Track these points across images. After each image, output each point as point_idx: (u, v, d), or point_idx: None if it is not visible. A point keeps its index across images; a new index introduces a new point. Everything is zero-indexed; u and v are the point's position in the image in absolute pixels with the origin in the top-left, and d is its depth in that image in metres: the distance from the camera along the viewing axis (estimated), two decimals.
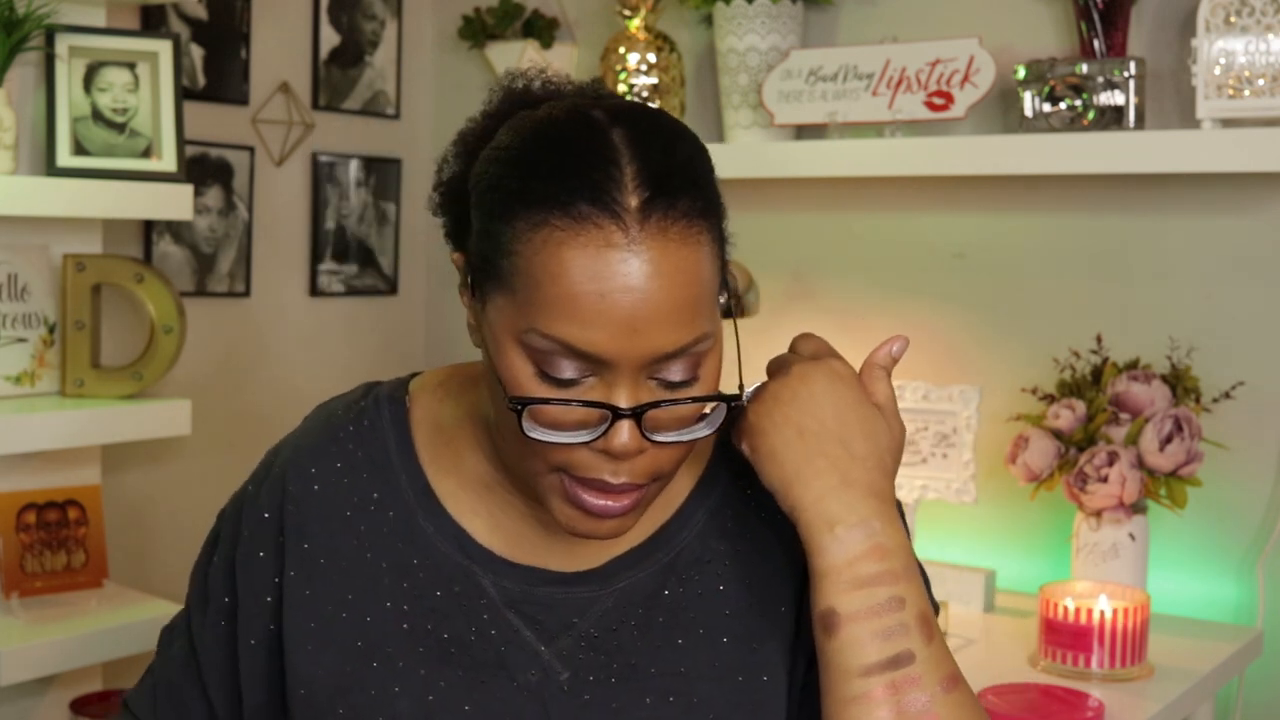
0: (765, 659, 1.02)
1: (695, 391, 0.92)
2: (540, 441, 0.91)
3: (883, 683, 0.92)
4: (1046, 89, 2.09)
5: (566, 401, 0.90)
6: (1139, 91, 2.05)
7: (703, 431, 0.94)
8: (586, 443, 0.90)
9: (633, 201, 0.88)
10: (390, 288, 2.86)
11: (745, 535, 1.05)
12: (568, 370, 0.89)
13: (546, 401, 0.90)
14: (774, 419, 0.97)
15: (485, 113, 1.02)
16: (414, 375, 1.12)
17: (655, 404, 0.90)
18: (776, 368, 1.02)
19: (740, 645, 1.02)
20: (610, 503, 0.93)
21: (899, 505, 1.03)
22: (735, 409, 0.96)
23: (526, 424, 0.90)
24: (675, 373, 0.91)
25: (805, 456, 0.96)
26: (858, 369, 1.03)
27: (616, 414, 0.89)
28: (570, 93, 1.01)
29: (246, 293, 2.60)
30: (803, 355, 1.02)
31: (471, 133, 1.02)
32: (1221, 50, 1.93)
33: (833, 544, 0.94)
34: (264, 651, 1.06)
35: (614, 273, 0.87)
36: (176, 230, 2.46)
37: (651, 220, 0.88)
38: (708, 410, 0.95)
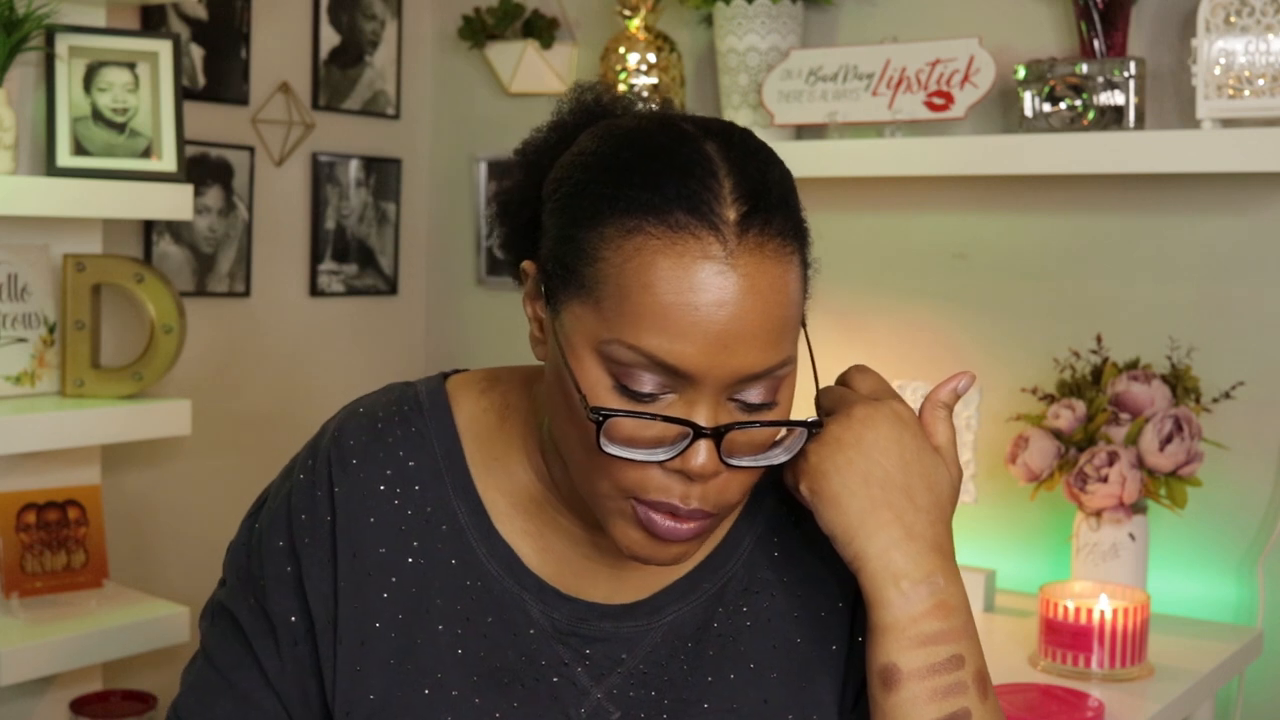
0: (816, 698, 1.01)
1: (772, 416, 0.90)
2: (615, 458, 0.88)
3: None
4: (1046, 89, 2.09)
5: (650, 416, 0.87)
6: (1139, 91, 2.05)
7: (780, 458, 0.92)
8: (662, 462, 0.88)
9: (731, 214, 0.86)
10: (390, 288, 2.86)
11: (792, 565, 1.03)
12: (648, 385, 0.87)
13: (629, 414, 0.87)
14: (837, 463, 0.95)
15: (552, 124, 1.00)
16: (445, 375, 1.07)
17: (737, 425, 0.88)
18: (834, 405, 0.99)
19: (790, 682, 1.01)
20: (677, 525, 0.90)
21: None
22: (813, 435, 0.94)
23: (604, 439, 0.87)
24: (755, 395, 0.89)
25: (870, 507, 0.94)
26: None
27: (698, 432, 0.87)
28: (644, 106, 1.00)
29: (246, 293, 2.60)
30: (861, 394, 1.00)
31: (536, 143, 1.00)
32: (1221, 50, 1.93)
33: (898, 599, 0.93)
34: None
35: (709, 285, 0.85)
36: (176, 230, 2.46)
37: (749, 235, 0.86)
38: (781, 436, 0.93)
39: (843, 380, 1.03)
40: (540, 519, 1.01)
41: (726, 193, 0.86)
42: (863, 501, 0.94)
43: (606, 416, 0.86)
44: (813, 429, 0.92)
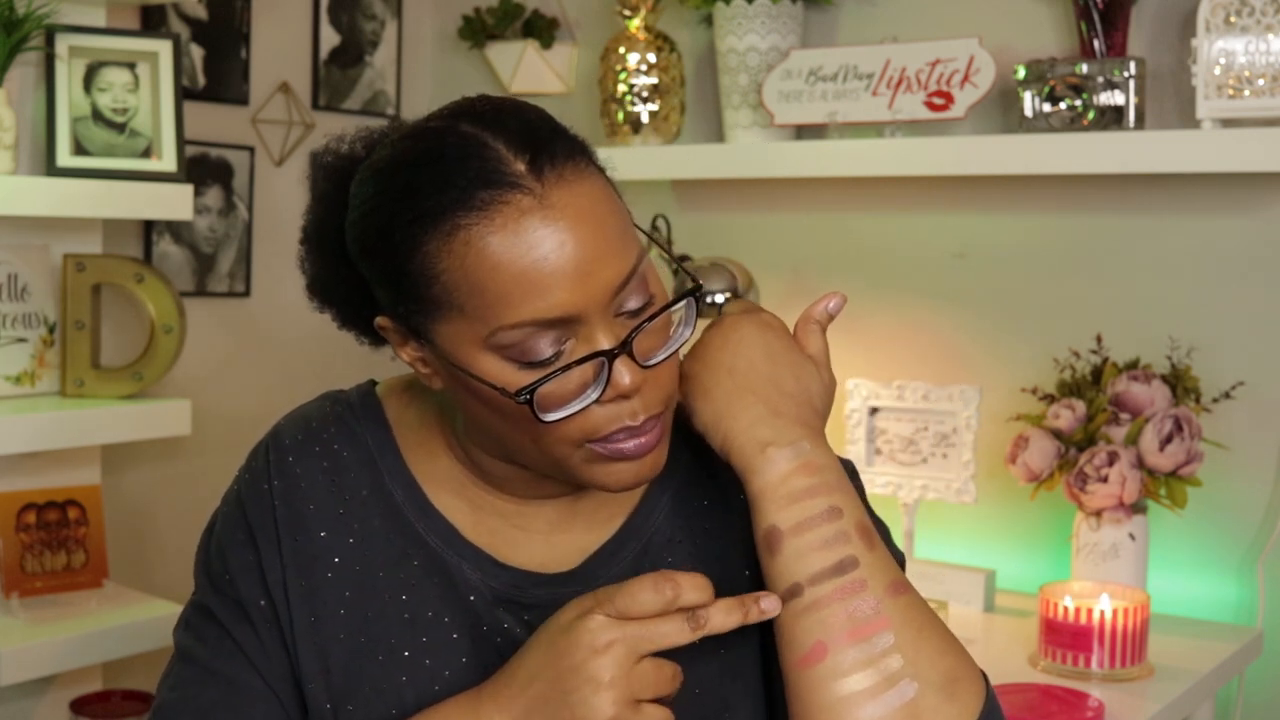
0: (742, 626, 1.04)
1: (654, 308, 0.95)
2: (559, 421, 0.92)
3: (830, 588, 0.94)
4: (1046, 89, 2.09)
5: (565, 368, 0.91)
6: (1139, 91, 2.05)
7: (685, 334, 0.98)
8: (597, 399, 0.92)
9: (520, 166, 0.91)
10: None
11: (711, 514, 1.08)
12: (547, 349, 0.92)
13: (548, 378, 0.91)
14: (705, 362, 1.01)
15: (316, 198, 1.04)
16: (374, 382, 1.13)
17: (635, 330, 0.93)
18: (710, 325, 1.06)
19: None
20: (643, 440, 0.95)
21: (850, 465, 1.07)
22: (705, 304, 0.99)
23: (541, 413, 0.91)
24: (634, 300, 0.94)
25: (735, 392, 0.99)
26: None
27: (611, 356, 0.92)
28: (383, 133, 1.02)
29: (246, 293, 2.60)
30: (732, 312, 1.06)
31: (312, 224, 1.04)
32: (1221, 50, 1.93)
33: (765, 465, 0.97)
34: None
35: (543, 234, 0.89)
36: (176, 230, 2.46)
37: (546, 173, 0.91)
38: (677, 320, 0.99)
39: (722, 313, 1.09)
40: (468, 497, 1.06)
41: (504, 152, 0.91)
42: (727, 389, 1.00)
43: (533, 391, 0.91)
44: (697, 294, 0.97)
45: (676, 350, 0.97)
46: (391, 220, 0.93)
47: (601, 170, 0.97)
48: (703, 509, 1.08)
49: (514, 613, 1.03)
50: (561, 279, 0.89)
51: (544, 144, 0.92)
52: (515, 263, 0.89)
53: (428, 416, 1.08)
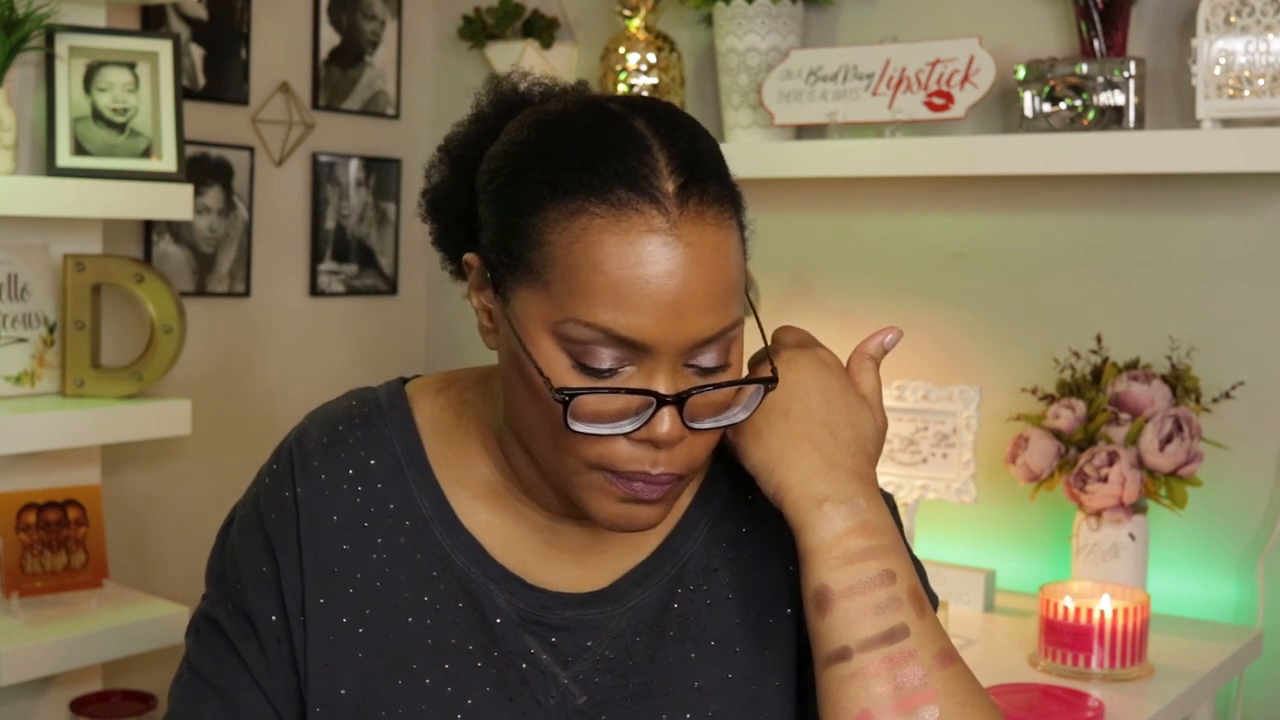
0: (775, 663, 1.03)
1: (726, 377, 0.92)
2: (583, 435, 0.89)
3: (879, 657, 0.92)
4: (1046, 89, 2.09)
5: (613, 390, 0.88)
6: (1139, 91, 2.05)
7: (739, 416, 0.94)
8: (628, 433, 0.90)
9: (670, 186, 0.88)
10: (390, 288, 2.86)
11: (749, 543, 1.05)
12: (606, 360, 0.89)
13: (592, 391, 0.88)
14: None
15: (474, 116, 1.02)
16: (404, 380, 1.09)
17: (697, 389, 0.90)
18: (761, 358, 1.02)
19: (751, 653, 1.02)
20: (653, 490, 0.92)
21: (891, 499, 1.05)
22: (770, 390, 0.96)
23: (572, 419, 0.88)
24: (709, 359, 0.91)
25: (791, 439, 0.97)
26: (847, 360, 1.05)
27: (660, 400, 0.89)
28: (563, 90, 1.01)
29: (246, 293, 2.60)
30: (787, 344, 1.03)
31: (458, 137, 1.02)
32: (1221, 50, 1.93)
33: (821, 521, 0.95)
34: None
35: (656, 257, 0.87)
36: (176, 230, 2.46)
37: (689, 205, 0.88)
38: (737, 394, 0.95)
39: (772, 339, 1.06)
40: (502, 509, 1.03)
41: (662, 166, 0.89)
42: (783, 434, 0.97)
43: (572, 396, 0.88)
44: (769, 385, 0.94)
45: (724, 428, 0.94)
46: (529, 171, 0.91)
47: (742, 229, 0.94)
48: (740, 538, 1.05)
49: (539, 635, 1.01)
50: (652, 307, 0.87)
51: (702, 177, 0.90)
52: (618, 270, 0.86)
53: (466, 417, 1.04)
